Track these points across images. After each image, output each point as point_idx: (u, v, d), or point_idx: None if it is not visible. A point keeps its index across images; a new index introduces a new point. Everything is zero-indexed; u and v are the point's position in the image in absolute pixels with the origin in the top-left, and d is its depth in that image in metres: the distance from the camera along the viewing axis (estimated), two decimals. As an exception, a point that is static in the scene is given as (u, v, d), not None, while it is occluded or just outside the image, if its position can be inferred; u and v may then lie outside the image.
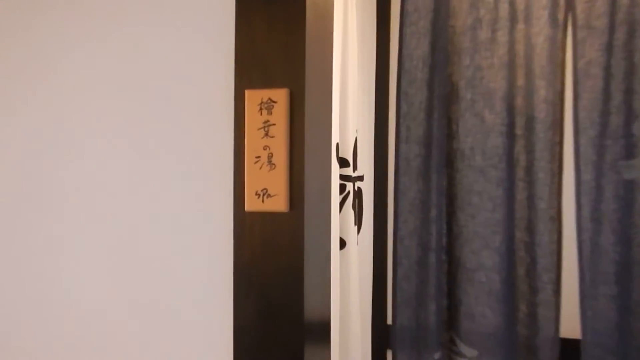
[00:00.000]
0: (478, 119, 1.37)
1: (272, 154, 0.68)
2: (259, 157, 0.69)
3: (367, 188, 1.44)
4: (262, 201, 0.68)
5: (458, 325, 1.39)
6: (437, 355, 1.36)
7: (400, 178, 1.46)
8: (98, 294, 0.76)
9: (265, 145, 0.69)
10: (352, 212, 1.25)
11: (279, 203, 0.68)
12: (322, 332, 0.77)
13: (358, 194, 1.34)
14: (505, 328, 1.31)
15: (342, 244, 1.23)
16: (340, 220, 1.20)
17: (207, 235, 0.73)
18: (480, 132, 1.36)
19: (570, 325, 1.31)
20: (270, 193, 0.68)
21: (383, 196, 1.52)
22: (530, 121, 1.32)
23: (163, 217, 0.75)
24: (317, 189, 0.74)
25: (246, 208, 0.69)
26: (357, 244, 1.30)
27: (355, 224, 1.29)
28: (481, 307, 1.34)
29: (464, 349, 1.38)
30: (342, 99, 1.19)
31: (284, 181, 0.68)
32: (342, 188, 1.24)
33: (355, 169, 1.30)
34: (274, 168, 0.68)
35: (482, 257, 1.34)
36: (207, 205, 0.74)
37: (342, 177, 1.25)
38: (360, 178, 1.37)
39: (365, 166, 1.43)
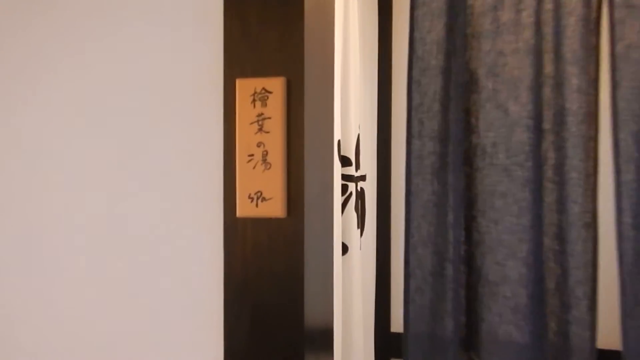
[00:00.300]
0: (501, 111, 1.36)
1: (267, 151, 0.68)
2: (252, 155, 0.68)
3: (370, 188, 1.46)
4: (256, 205, 0.68)
5: (479, 345, 1.38)
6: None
7: (412, 178, 1.46)
8: (76, 302, 0.77)
9: (259, 142, 0.68)
10: (354, 215, 1.26)
11: (275, 208, 0.67)
12: (324, 349, 0.77)
13: (361, 194, 1.36)
14: (533, 349, 1.31)
15: (344, 249, 1.24)
16: (342, 224, 1.21)
17: (193, 246, 0.73)
18: (503, 126, 1.36)
19: (608, 343, 1.29)
20: (265, 196, 0.68)
21: (386, 197, 1.54)
22: (560, 113, 1.31)
23: (142, 226, 0.75)
24: (318, 191, 0.73)
25: (238, 214, 0.69)
26: (360, 248, 1.31)
27: (357, 227, 1.30)
28: (506, 325, 1.34)
29: None
30: (343, 92, 1.19)
31: (281, 183, 0.68)
32: (344, 189, 1.26)
33: (357, 168, 1.31)
34: (269, 168, 0.68)
35: (506, 268, 1.34)
36: (192, 212, 0.73)
37: (344, 177, 1.26)
38: (363, 178, 1.39)
39: (368, 165, 1.44)
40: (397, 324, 1.54)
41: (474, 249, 1.40)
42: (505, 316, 1.33)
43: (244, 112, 0.69)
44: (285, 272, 0.68)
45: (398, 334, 1.50)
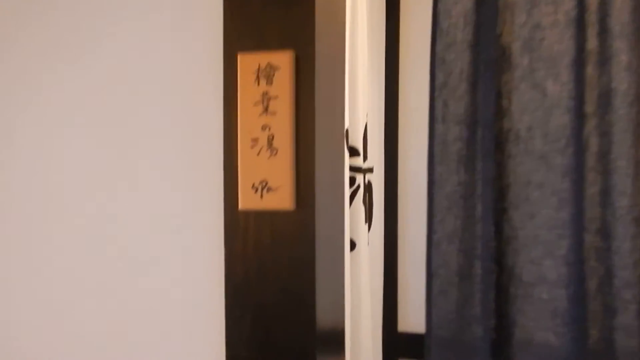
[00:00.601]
0: (538, 92, 1.34)
1: (273, 135, 0.67)
2: (256, 139, 0.67)
3: (377, 181, 1.50)
4: (261, 196, 0.67)
5: (510, 353, 1.37)
6: (485, 391, 1.34)
7: (435, 167, 1.45)
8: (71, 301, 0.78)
9: (264, 125, 0.67)
10: (362, 209, 1.29)
11: (282, 199, 0.66)
12: (335, 352, 0.77)
13: (368, 187, 1.39)
14: (573, 358, 1.28)
15: (352, 245, 1.28)
16: (349, 218, 1.24)
17: (190, 244, 0.72)
18: (540, 109, 1.34)
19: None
20: (271, 186, 0.67)
21: (394, 191, 1.57)
22: (606, 94, 1.29)
23: (135, 223, 0.75)
24: (329, 181, 0.72)
25: (240, 206, 0.67)
26: (368, 244, 1.35)
27: (365, 222, 1.32)
28: (542, 331, 1.32)
29: None
30: (351, 76, 1.21)
31: (289, 170, 0.66)
32: (352, 181, 1.31)
33: (365, 158, 1.34)
34: (276, 154, 0.67)
35: (543, 267, 1.32)
36: (189, 204, 0.72)
37: (352, 169, 1.31)
38: (371, 170, 1.41)
39: (375, 156, 1.48)
40: (404, 324, 1.60)
41: (506, 246, 1.38)
42: (541, 321, 1.32)
43: (247, 91, 0.67)
44: (293, 272, 0.67)
45: (405, 334, 1.56)
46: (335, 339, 0.77)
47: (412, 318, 1.64)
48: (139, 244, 0.75)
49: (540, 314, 1.32)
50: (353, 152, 1.30)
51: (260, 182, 0.67)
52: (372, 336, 1.38)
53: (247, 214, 0.67)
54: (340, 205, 0.80)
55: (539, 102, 1.34)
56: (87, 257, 0.77)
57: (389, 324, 1.56)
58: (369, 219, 1.40)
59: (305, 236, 0.66)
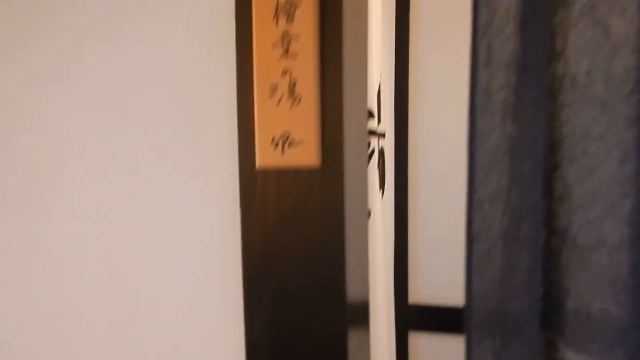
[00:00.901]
0: (599, 30, 1.26)
1: (295, 81, 0.64)
2: (275, 86, 0.65)
3: (388, 146, 1.53)
4: (282, 152, 0.65)
5: (563, 325, 1.33)
6: (534, 365, 1.32)
7: (476, 119, 1.40)
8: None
9: (284, 69, 0.65)
10: (376, 174, 1.29)
11: (306, 154, 0.64)
12: (362, 327, 0.77)
13: (381, 153, 1.44)
14: (637, 331, 1.24)
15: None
16: None
17: (201, 210, 0.71)
18: (602, 49, 1.26)
19: None
20: (294, 139, 0.64)
21: (404, 155, 1.60)
22: None
23: (138, 195, 0.74)
24: (357, 135, 0.70)
25: (258, 164, 0.65)
26: (382, 211, 1.37)
27: (380, 189, 1.36)
28: (600, 301, 1.28)
29: (572, 356, 1.32)
30: None
31: (314, 121, 0.64)
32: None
33: (379, 121, 1.38)
34: (299, 102, 0.64)
35: (603, 229, 1.27)
36: (199, 162, 0.71)
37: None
38: (383, 135, 1.44)
39: (387, 121, 1.50)
40: (414, 295, 1.66)
41: (558, 206, 1.33)
42: (599, 289, 1.27)
43: (264, 30, 0.65)
44: (320, 240, 0.64)
45: (416, 306, 1.62)
46: (363, 314, 0.75)
47: (423, 290, 1.72)
48: (145, 220, 0.73)
49: (599, 281, 1.28)
50: (368, 114, 1.32)
51: (281, 136, 0.65)
52: (387, 308, 1.44)
53: (266, 173, 0.65)
54: (364, 166, 0.78)
55: (600, 42, 1.26)
56: (95, 222, 0.76)
57: (399, 296, 1.59)
58: (382, 185, 1.41)
59: (334, 198, 0.63)
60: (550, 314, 1.34)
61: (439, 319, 1.77)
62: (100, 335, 0.77)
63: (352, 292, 0.67)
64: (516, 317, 1.34)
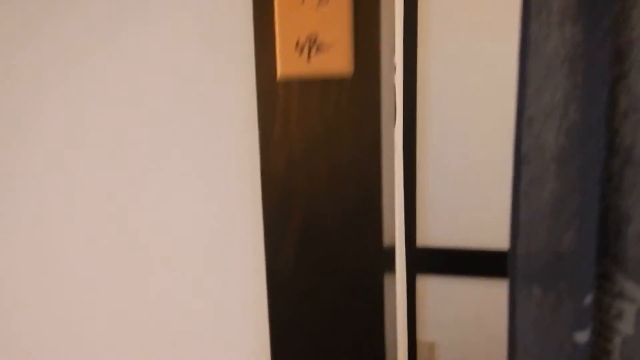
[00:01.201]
0: None
1: None
2: None
3: (397, 78, 1.54)
4: (308, 58, 0.58)
5: (621, 253, 1.30)
6: (588, 298, 1.29)
7: (529, 24, 1.31)
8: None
9: None
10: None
11: (337, 60, 0.58)
12: (391, 267, 0.75)
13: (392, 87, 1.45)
14: None
15: None
16: None
17: (212, 134, 0.66)
18: None
19: None
20: (322, 43, 0.58)
21: (412, 85, 1.62)
22: None
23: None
24: (388, 41, 0.62)
25: (279, 73, 0.59)
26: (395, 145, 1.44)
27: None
28: None
29: (631, 288, 1.29)
30: None
31: (346, 21, 0.57)
32: None
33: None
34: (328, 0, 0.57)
35: None
36: (210, 71, 0.65)
37: None
38: (394, 68, 1.46)
39: (397, 54, 1.55)
40: (423, 237, 1.72)
41: (622, 120, 1.25)
42: None
43: None
44: (353, 164, 0.58)
45: (425, 249, 1.69)
46: (392, 252, 0.71)
47: (433, 231, 1.76)
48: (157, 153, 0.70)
49: (666, 206, 1.23)
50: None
51: (307, 39, 0.58)
52: (398, 251, 1.46)
53: (289, 84, 0.59)
54: (394, 78, 0.71)
55: None
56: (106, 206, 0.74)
57: (407, 237, 1.64)
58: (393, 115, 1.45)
59: (370, 112, 0.57)
60: (607, 242, 1.30)
61: (447, 262, 1.80)
62: (113, 288, 0.78)
63: (388, 229, 0.63)
64: (569, 246, 1.30)
